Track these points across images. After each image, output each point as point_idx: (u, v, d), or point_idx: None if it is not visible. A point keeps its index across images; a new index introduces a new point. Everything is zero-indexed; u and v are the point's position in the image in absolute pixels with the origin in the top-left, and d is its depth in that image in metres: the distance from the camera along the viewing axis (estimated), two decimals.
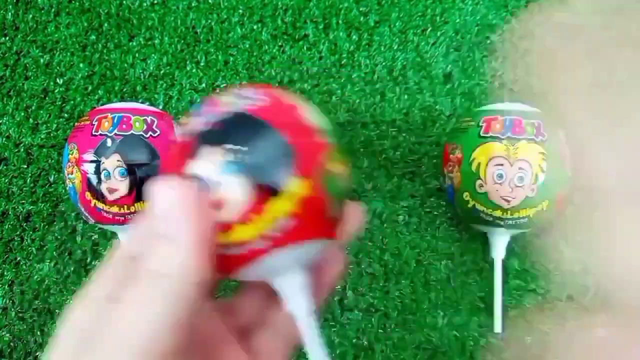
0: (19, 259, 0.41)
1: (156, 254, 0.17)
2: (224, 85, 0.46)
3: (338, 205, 0.20)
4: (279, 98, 0.20)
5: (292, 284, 0.20)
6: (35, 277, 0.41)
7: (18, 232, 0.42)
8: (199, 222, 0.17)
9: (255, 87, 0.21)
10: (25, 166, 0.43)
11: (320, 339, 0.21)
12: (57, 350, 0.18)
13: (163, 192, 0.18)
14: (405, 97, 0.45)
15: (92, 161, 0.35)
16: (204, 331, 0.22)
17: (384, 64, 0.46)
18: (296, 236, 0.19)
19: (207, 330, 0.22)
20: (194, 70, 0.46)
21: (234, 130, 0.18)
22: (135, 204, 0.35)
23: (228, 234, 0.18)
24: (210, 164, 0.18)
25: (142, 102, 0.42)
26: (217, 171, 0.18)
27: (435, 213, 0.43)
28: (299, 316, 0.21)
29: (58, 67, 0.46)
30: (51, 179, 0.43)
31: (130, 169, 0.35)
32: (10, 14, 0.47)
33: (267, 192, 0.18)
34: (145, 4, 0.47)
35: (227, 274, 0.20)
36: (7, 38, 0.47)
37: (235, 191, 0.18)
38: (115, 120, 0.35)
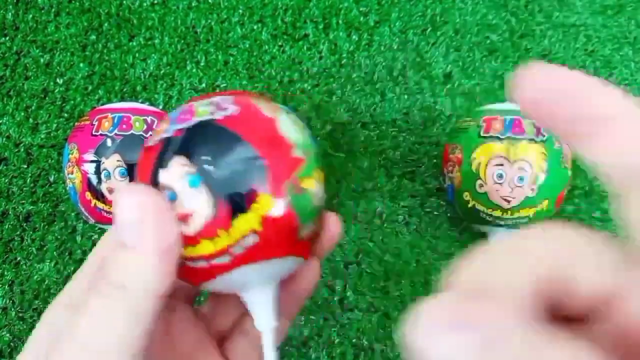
0: (19, 259, 0.41)
1: (117, 263, 0.17)
2: (224, 85, 0.46)
3: (310, 223, 0.19)
4: (256, 109, 0.19)
5: (257, 299, 0.20)
6: (35, 277, 0.41)
7: (18, 232, 0.42)
8: (163, 233, 0.17)
9: (234, 95, 0.20)
10: (25, 166, 0.43)
11: (276, 357, 0.20)
12: (29, 349, 0.18)
13: (128, 200, 0.17)
14: (405, 97, 0.45)
15: (92, 161, 0.35)
16: (183, 337, 0.22)
17: (384, 64, 0.46)
18: (262, 253, 0.18)
19: (186, 336, 0.22)
20: (194, 70, 0.46)
21: (203, 141, 0.18)
22: None
23: (192, 248, 0.18)
24: (178, 174, 0.17)
25: (142, 102, 0.42)
26: (185, 183, 0.17)
27: (435, 213, 0.43)
28: (260, 330, 0.20)
29: (58, 67, 0.46)
30: (51, 179, 0.43)
31: (131, 169, 0.35)
32: (10, 14, 0.47)
33: (233, 207, 0.17)
34: (145, 4, 0.47)
35: (193, 285, 0.20)
36: (7, 38, 0.47)
37: (201, 204, 0.17)
38: (115, 120, 0.35)
